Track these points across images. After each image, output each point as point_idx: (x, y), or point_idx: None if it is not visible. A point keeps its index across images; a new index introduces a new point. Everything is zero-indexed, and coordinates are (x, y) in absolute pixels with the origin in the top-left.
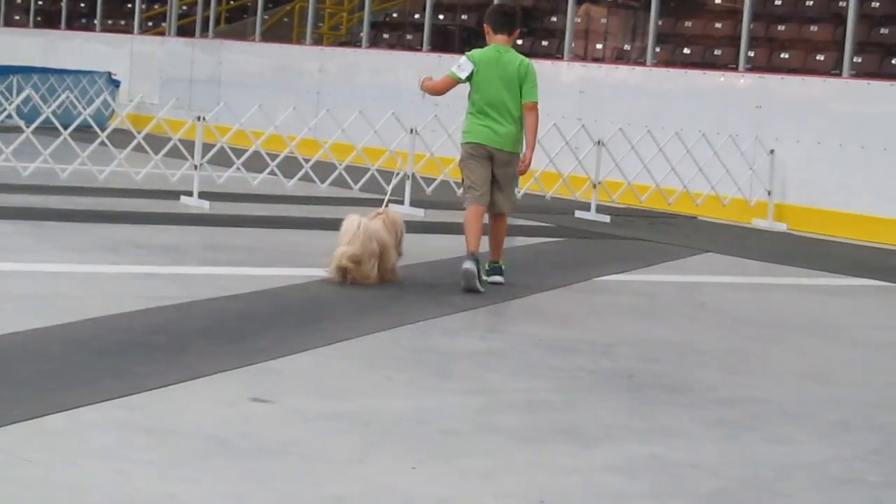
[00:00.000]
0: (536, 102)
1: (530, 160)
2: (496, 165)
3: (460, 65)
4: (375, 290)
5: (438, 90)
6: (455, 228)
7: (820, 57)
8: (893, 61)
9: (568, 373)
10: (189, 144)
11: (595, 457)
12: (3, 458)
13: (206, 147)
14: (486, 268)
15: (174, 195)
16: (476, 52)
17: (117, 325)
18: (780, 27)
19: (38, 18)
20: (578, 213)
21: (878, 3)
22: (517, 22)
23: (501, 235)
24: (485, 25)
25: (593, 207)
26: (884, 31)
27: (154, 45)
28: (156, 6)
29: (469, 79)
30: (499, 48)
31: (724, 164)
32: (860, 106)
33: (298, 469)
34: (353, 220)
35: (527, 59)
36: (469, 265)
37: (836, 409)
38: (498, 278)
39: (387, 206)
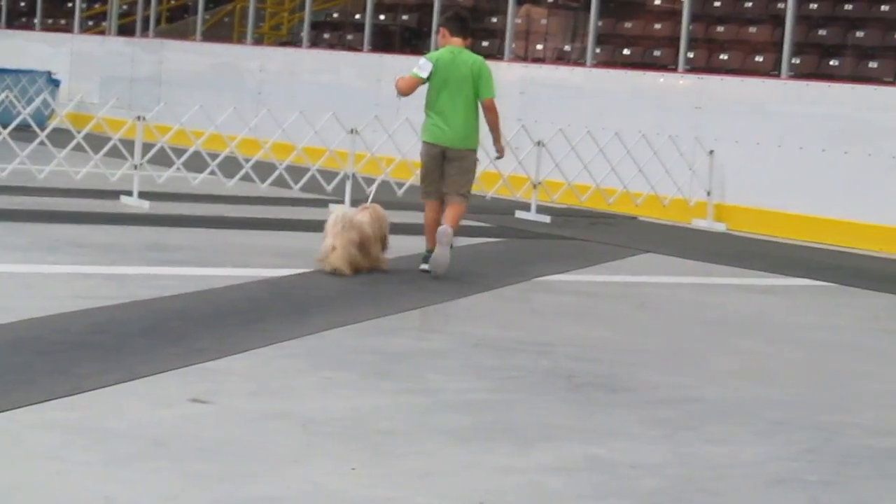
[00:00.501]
0: (492, 98)
1: (502, 147)
2: (448, 161)
3: (420, 65)
4: (315, 291)
5: (404, 91)
6: (395, 228)
7: (759, 58)
8: (831, 62)
9: (507, 373)
10: (129, 144)
11: (534, 457)
12: None
13: (147, 147)
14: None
15: (114, 195)
16: (434, 53)
17: (56, 326)
18: (720, 28)
19: None
20: (519, 214)
21: (815, 5)
22: (470, 27)
23: (450, 221)
24: (441, 29)
25: (533, 207)
26: (822, 32)
27: (94, 45)
28: (96, 5)
29: (430, 78)
30: (453, 49)
31: (664, 165)
32: (799, 107)
33: (237, 470)
34: (337, 213)
35: (480, 58)
36: (424, 267)
37: (774, 408)
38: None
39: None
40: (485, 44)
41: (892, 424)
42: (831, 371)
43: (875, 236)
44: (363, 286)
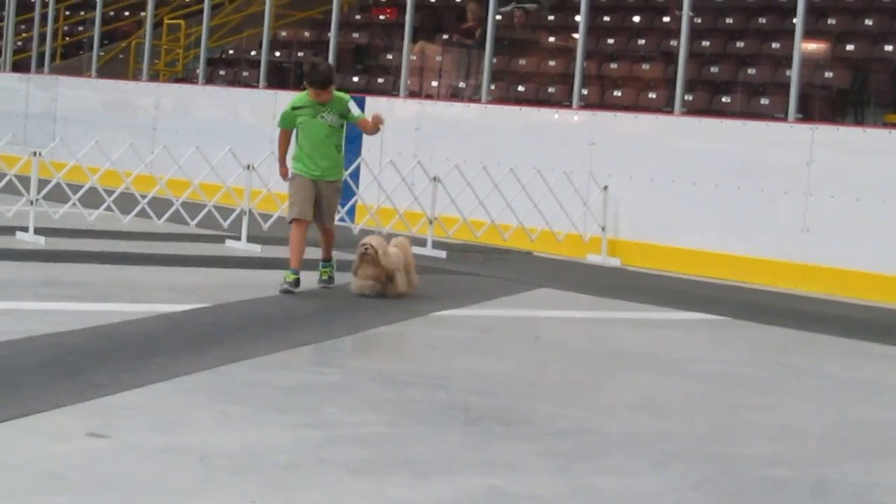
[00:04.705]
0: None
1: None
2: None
3: None
4: (211, 326)
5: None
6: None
7: (652, 94)
8: (724, 99)
9: (404, 406)
10: (25, 180)
11: (431, 489)
12: None
13: (42, 183)
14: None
15: (10, 231)
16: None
17: None
18: (613, 65)
19: None
20: (415, 249)
21: (707, 42)
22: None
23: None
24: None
25: (429, 243)
26: (714, 69)
27: None
28: None
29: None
30: None
31: (559, 201)
32: (691, 143)
33: None
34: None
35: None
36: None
37: (669, 440)
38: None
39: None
40: (380, 80)
41: (785, 455)
42: (725, 403)
43: (768, 271)
44: (257, 321)
